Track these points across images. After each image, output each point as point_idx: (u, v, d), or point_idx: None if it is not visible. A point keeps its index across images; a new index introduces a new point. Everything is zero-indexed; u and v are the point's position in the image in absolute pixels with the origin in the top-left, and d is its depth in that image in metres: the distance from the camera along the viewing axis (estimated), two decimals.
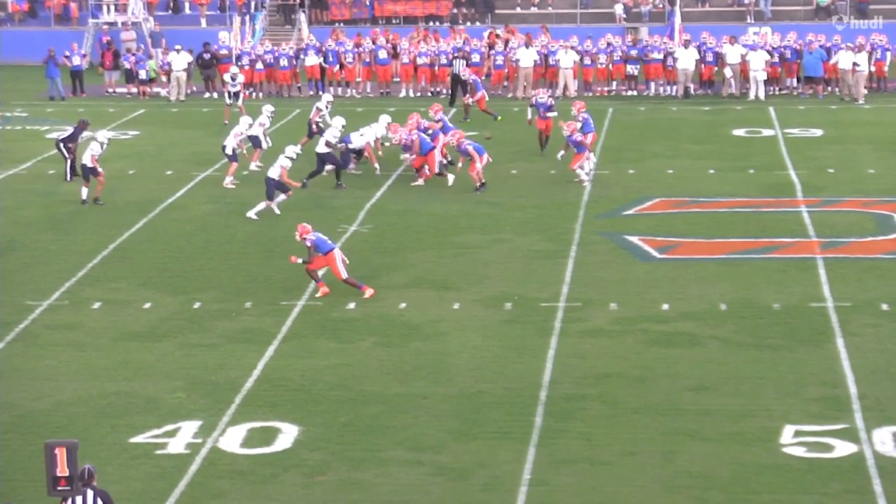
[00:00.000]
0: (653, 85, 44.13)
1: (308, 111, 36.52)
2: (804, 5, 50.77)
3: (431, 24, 50.24)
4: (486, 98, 38.88)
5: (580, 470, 16.77)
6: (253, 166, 32.89)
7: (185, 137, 38.06)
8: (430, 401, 18.98)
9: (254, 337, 21.66)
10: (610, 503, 16.00)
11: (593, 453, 17.20)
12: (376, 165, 32.52)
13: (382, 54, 44.63)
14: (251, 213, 28.72)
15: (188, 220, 29.05)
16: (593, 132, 32.54)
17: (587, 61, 44.06)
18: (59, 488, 12.68)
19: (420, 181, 31.39)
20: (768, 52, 42.88)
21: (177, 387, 19.66)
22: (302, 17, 51.02)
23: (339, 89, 44.43)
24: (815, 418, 18.14)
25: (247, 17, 49.68)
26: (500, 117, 38.40)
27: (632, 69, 43.92)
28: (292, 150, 29.37)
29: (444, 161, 31.85)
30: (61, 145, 32.84)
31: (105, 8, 51.82)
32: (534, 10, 52.00)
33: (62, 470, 12.62)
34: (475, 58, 44.02)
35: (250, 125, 32.52)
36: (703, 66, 43.55)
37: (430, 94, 44.11)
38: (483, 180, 30.71)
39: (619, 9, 50.83)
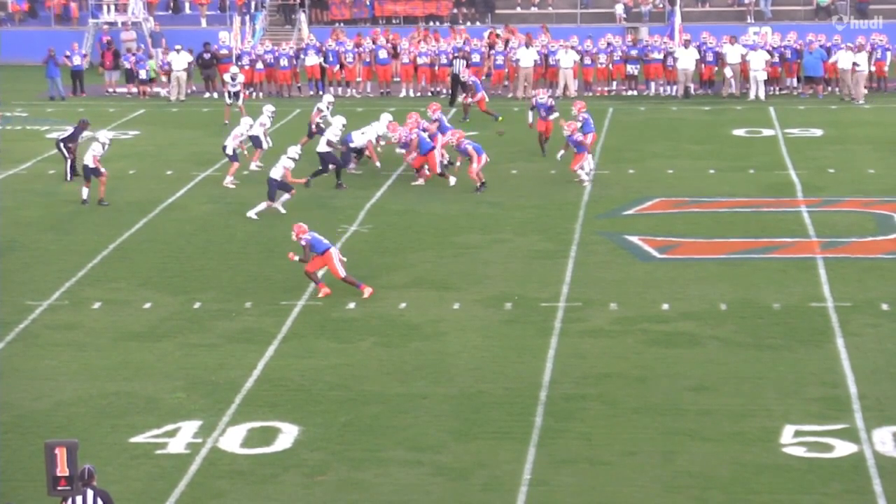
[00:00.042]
0: (653, 85, 44.14)
1: (308, 111, 36.54)
2: (804, 5, 50.78)
3: (431, 24, 50.24)
4: (486, 99, 38.88)
5: (580, 470, 16.77)
6: (253, 166, 32.89)
7: (185, 137, 38.06)
8: (430, 401, 18.99)
9: (254, 337, 21.66)
10: (610, 503, 16.00)
11: (593, 453, 17.20)
12: (377, 164, 32.54)
13: (382, 54, 44.64)
14: (251, 214, 28.73)
15: (188, 220, 29.06)
16: (593, 132, 32.55)
17: (587, 61, 44.06)
18: (59, 488, 12.68)
19: (420, 181, 31.40)
20: (768, 52, 42.89)
21: (177, 387, 19.66)
22: (302, 17, 51.02)
23: (340, 89, 44.43)
24: (815, 418, 18.14)
25: (247, 17, 49.69)
26: (500, 118, 38.40)
27: (632, 69, 43.92)
28: (294, 150, 29.38)
29: (444, 161, 31.83)
30: (61, 145, 32.84)
31: (105, 8, 51.82)
32: (534, 10, 52.01)
33: (62, 470, 12.62)
34: (475, 58, 44.04)
35: (250, 126, 32.52)
36: (703, 66, 43.55)
37: (430, 93, 44.11)
38: (483, 180, 30.71)
39: (619, 9, 50.83)
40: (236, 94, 39.57)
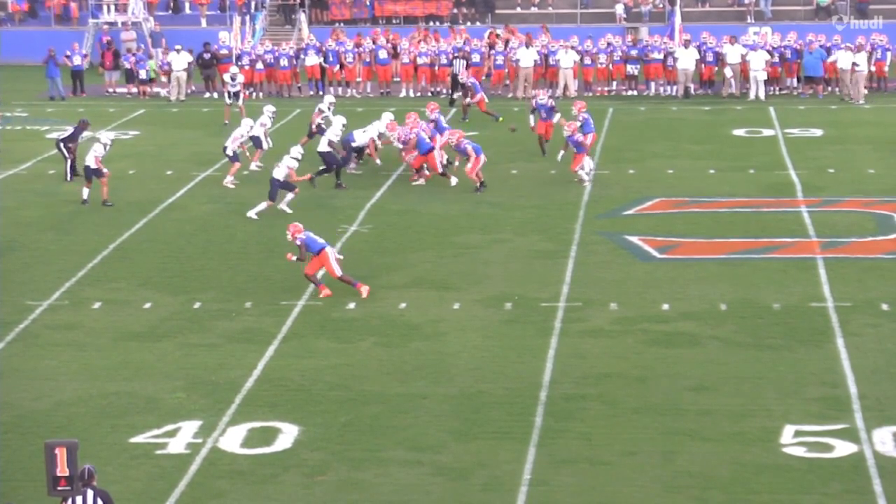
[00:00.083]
0: (653, 85, 44.14)
1: (308, 111, 36.55)
2: (804, 5, 50.78)
3: (431, 24, 50.24)
4: (486, 100, 38.89)
5: (580, 470, 16.77)
6: (253, 166, 32.90)
7: (185, 137, 38.07)
8: (430, 401, 18.98)
9: (254, 337, 21.66)
10: (610, 503, 16.01)
11: (593, 453, 17.20)
12: (378, 161, 32.58)
13: (382, 54, 44.64)
14: (251, 213, 28.72)
15: (188, 220, 29.06)
16: (593, 132, 32.56)
17: (587, 61, 44.07)
18: (59, 488, 12.68)
19: (420, 181, 31.39)
20: (768, 52, 42.89)
21: (177, 387, 19.66)
22: (302, 17, 51.02)
23: (340, 89, 44.43)
24: (815, 418, 18.14)
25: (247, 17, 49.70)
26: (501, 118, 38.41)
27: (632, 69, 43.92)
28: (297, 150, 29.41)
29: (443, 161, 31.82)
30: (61, 145, 32.85)
31: (105, 8, 51.83)
32: (534, 10, 52.01)
33: (62, 470, 12.62)
34: (475, 58, 44.05)
35: (251, 128, 32.53)
36: (703, 66, 43.56)
37: (430, 94, 44.11)
38: (482, 180, 30.71)
39: (619, 9, 50.83)
40: (236, 95, 39.57)
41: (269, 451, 17.49)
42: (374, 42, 45.03)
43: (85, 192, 30.15)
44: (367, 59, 44.87)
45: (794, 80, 43.66)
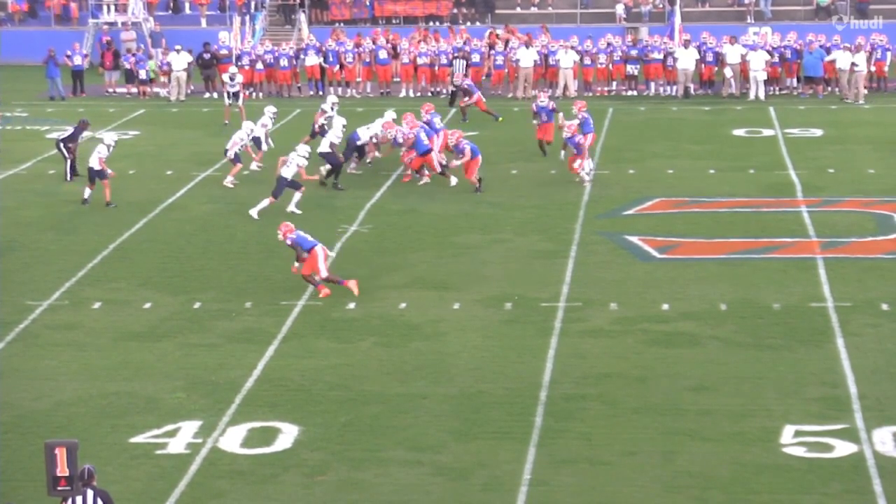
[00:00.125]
0: (653, 85, 44.14)
1: (308, 111, 36.56)
2: (804, 5, 50.78)
3: (431, 24, 50.24)
4: (484, 99, 38.93)
5: (580, 470, 16.77)
6: (254, 166, 32.92)
7: (185, 137, 38.07)
8: (430, 401, 18.99)
9: (254, 337, 21.66)
10: (610, 503, 16.01)
11: (593, 453, 17.20)
12: (377, 153, 32.62)
13: (382, 54, 44.65)
14: (253, 212, 28.67)
15: (188, 220, 29.06)
16: (592, 132, 32.57)
17: (587, 61, 44.06)
18: (59, 488, 12.68)
19: (426, 179, 31.37)
20: (768, 52, 42.89)
21: (177, 387, 19.66)
22: (302, 17, 51.03)
23: (340, 89, 44.41)
24: (815, 418, 18.15)
25: (247, 17, 49.70)
26: (500, 118, 38.41)
27: (632, 69, 43.92)
28: (304, 149, 29.44)
29: (443, 161, 31.82)
30: (61, 145, 32.85)
31: (105, 8, 51.82)
32: (534, 10, 52.01)
33: (62, 470, 12.62)
34: (475, 58, 44.06)
35: (251, 130, 32.52)
36: (703, 66, 43.56)
37: (430, 94, 44.12)
38: (479, 177, 30.67)
39: (619, 9, 50.83)
40: (235, 95, 39.54)
41: (269, 451, 17.49)
42: (374, 42, 45.04)
43: (86, 192, 30.15)
44: (367, 60, 44.87)
45: (794, 80, 43.66)
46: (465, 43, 44.83)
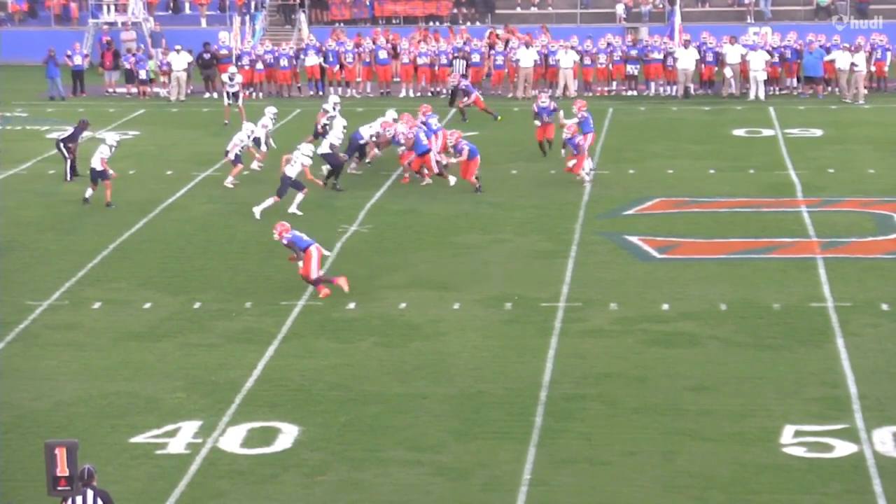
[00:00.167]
0: (653, 85, 44.14)
1: (308, 111, 36.56)
2: (804, 5, 50.78)
3: (431, 24, 50.24)
4: (482, 98, 38.97)
5: (580, 470, 16.77)
6: (254, 165, 32.92)
7: (185, 137, 38.07)
8: (430, 401, 18.98)
9: (254, 337, 21.66)
10: (610, 503, 16.01)
11: (593, 453, 17.20)
12: (377, 151, 32.61)
13: (382, 54, 44.65)
14: (257, 210, 28.60)
15: (188, 220, 29.06)
16: (592, 132, 32.58)
17: (587, 61, 44.06)
18: (59, 488, 12.68)
19: (427, 180, 31.36)
20: (768, 52, 42.89)
21: (177, 387, 19.66)
22: (302, 17, 51.02)
23: (340, 89, 44.41)
24: (815, 418, 18.14)
25: (247, 17, 49.71)
26: (500, 117, 38.41)
27: (632, 69, 43.92)
28: (308, 147, 29.46)
29: (442, 161, 31.83)
30: (61, 145, 32.85)
31: (105, 8, 51.82)
32: (534, 10, 52.01)
33: (62, 470, 12.62)
34: (475, 58, 44.07)
35: (252, 132, 32.50)
36: (703, 66, 43.56)
37: (430, 94, 44.13)
38: (478, 175, 30.66)
39: (619, 9, 50.83)
40: (235, 95, 39.52)
41: (269, 451, 17.49)
42: (374, 42, 45.04)
43: (88, 192, 30.14)
44: (367, 60, 44.87)
45: (794, 80, 43.66)
46: (465, 43, 44.83)
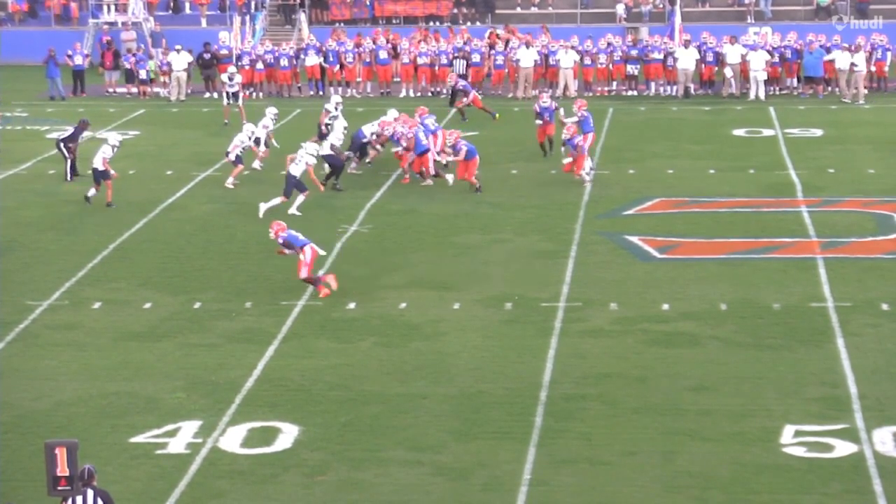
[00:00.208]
0: (653, 85, 44.14)
1: (308, 111, 36.56)
2: (804, 5, 50.78)
3: (431, 24, 50.24)
4: (480, 97, 39.00)
5: (580, 470, 16.77)
6: (255, 164, 32.93)
7: (185, 137, 38.07)
8: (430, 401, 18.98)
9: (254, 337, 21.66)
10: (610, 503, 16.01)
11: (593, 453, 17.20)
12: (378, 147, 32.61)
13: (383, 54, 44.65)
14: (262, 209, 28.52)
15: (188, 220, 29.06)
16: (592, 132, 32.58)
17: (587, 61, 44.06)
18: (59, 488, 12.68)
19: (428, 181, 31.35)
20: (768, 52, 42.89)
21: (177, 387, 19.66)
22: (302, 17, 51.02)
23: (340, 89, 44.40)
24: (815, 418, 18.14)
25: (247, 17, 49.70)
26: (497, 115, 38.42)
27: (632, 69, 43.92)
28: (313, 147, 29.44)
29: (442, 162, 31.84)
30: (61, 145, 32.85)
31: (105, 8, 51.82)
32: (534, 10, 52.01)
33: (62, 470, 12.62)
34: (475, 58, 44.07)
35: (252, 133, 32.49)
36: (703, 66, 43.56)
37: (430, 94, 44.13)
38: (477, 174, 30.66)
39: (619, 9, 50.83)
40: (234, 95, 39.52)
41: (269, 451, 17.49)
42: (374, 42, 45.03)
43: (90, 191, 30.13)
44: (368, 59, 44.87)
45: (794, 80, 43.66)
46: (465, 43, 44.83)
